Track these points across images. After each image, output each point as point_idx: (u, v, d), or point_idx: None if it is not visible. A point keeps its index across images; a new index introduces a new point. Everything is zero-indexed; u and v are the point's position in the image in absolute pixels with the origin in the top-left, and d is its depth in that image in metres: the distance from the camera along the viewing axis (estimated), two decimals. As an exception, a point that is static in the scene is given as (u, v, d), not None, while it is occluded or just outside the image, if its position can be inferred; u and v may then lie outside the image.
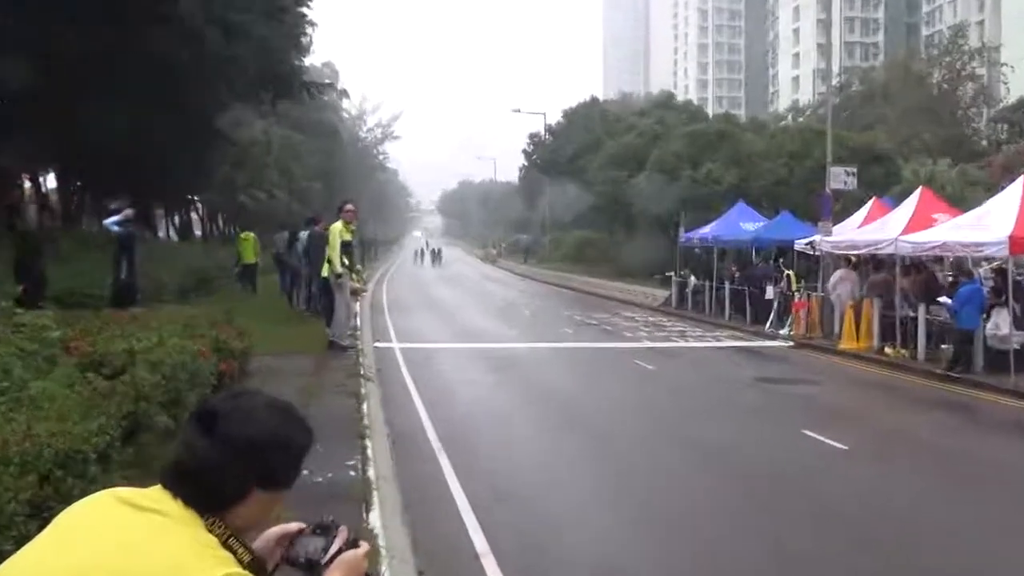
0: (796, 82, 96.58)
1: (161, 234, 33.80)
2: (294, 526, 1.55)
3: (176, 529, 1.31)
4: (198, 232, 37.72)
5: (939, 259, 15.77)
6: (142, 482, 1.46)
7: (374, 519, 5.14)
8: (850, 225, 18.17)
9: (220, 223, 39.19)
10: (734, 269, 21.77)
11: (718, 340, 18.06)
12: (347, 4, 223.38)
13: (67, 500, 1.91)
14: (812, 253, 18.98)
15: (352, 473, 6.07)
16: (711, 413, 10.46)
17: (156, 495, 1.37)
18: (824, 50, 42.48)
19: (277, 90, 20.99)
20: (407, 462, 7.17)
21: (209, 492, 1.36)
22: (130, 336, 6.42)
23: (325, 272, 12.48)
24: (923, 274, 15.03)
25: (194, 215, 37.68)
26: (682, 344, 17.42)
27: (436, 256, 64.22)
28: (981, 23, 69.68)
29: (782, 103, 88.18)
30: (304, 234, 16.13)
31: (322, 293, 13.27)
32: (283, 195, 34.63)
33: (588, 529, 5.94)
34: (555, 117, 56.09)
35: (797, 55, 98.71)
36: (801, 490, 7.04)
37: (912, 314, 14.29)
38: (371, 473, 6.14)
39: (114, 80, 15.22)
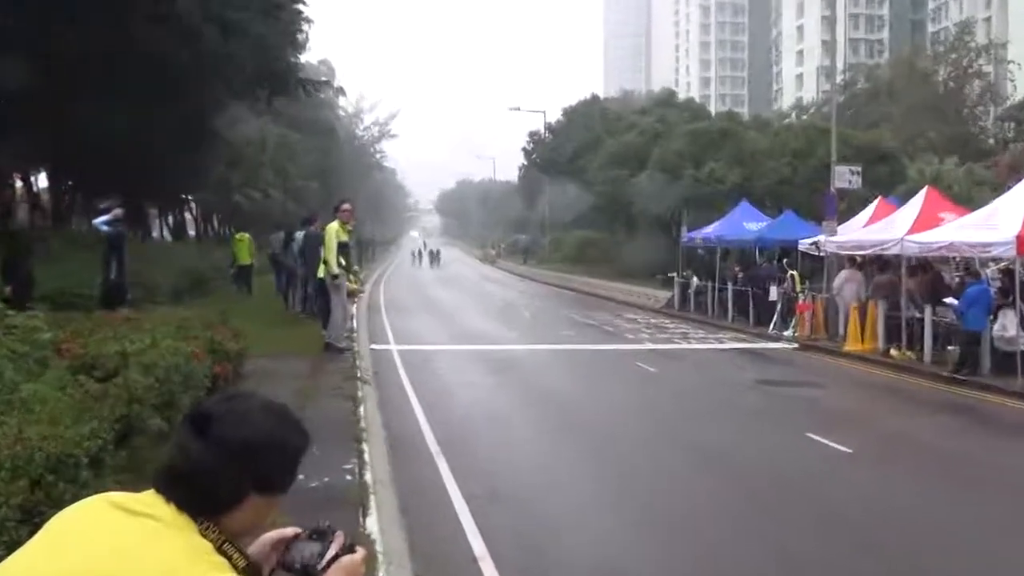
0: (800, 80, 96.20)
1: (155, 234, 33.68)
2: (290, 531, 1.53)
3: (169, 534, 1.29)
4: (192, 232, 37.51)
5: (945, 259, 15.65)
6: (135, 486, 1.43)
7: (371, 524, 5.12)
8: (855, 225, 18.05)
9: (215, 223, 38.92)
10: (737, 270, 21.59)
11: (721, 342, 17.95)
12: (344, 1, 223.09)
13: (59, 505, 1.90)
14: (816, 253, 18.85)
15: (349, 477, 6.03)
16: (714, 416, 10.37)
17: (149, 499, 1.35)
18: (828, 47, 42.23)
19: (273, 87, 20.87)
20: (404, 465, 7.11)
21: (203, 496, 1.34)
22: (123, 338, 6.38)
23: (321, 273, 12.34)
24: (929, 274, 14.93)
25: (188, 215, 37.37)
26: (684, 346, 17.34)
27: (434, 257, 63.39)
28: (988, 20, 69.18)
29: (786, 101, 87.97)
30: (300, 234, 15.84)
31: (318, 294, 13.14)
32: (279, 195, 34.33)
33: (588, 532, 5.88)
34: (555, 115, 56.11)
35: (801, 52, 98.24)
36: (804, 493, 6.97)
37: (918, 315, 14.18)
38: (368, 477, 6.10)
39: (112, 80, 15.17)
